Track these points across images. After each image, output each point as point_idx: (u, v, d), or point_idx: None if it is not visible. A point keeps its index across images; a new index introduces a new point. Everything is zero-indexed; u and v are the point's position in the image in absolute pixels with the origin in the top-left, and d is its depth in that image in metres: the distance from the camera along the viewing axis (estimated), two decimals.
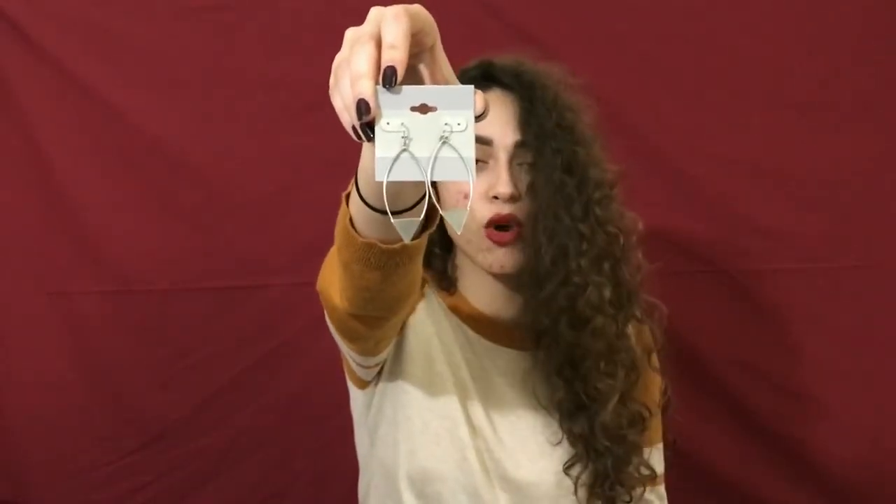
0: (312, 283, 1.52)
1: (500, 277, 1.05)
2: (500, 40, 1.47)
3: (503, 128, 1.01)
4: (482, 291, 1.08)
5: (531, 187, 1.00)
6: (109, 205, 1.52)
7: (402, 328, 1.05)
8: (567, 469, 1.04)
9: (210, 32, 1.50)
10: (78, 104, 1.50)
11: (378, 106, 0.56)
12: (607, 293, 1.01)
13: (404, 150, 0.57)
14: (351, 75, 0.56)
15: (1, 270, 1.53)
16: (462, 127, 0.57)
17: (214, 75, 1.50)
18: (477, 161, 0.96)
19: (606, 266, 1.02)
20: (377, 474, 1.09)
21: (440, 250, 1.11)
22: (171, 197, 1.52)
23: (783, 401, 1.49)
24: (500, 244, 1.01)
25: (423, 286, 1.10)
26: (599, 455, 1.03)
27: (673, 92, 1.47)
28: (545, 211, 0.99)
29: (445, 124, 0.57)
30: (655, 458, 1.12)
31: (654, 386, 1.12)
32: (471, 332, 1.09)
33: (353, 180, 0.78)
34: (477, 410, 1.05)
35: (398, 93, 0.57)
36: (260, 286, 1.53)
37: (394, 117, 0.57)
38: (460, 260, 1.10)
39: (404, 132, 0.57)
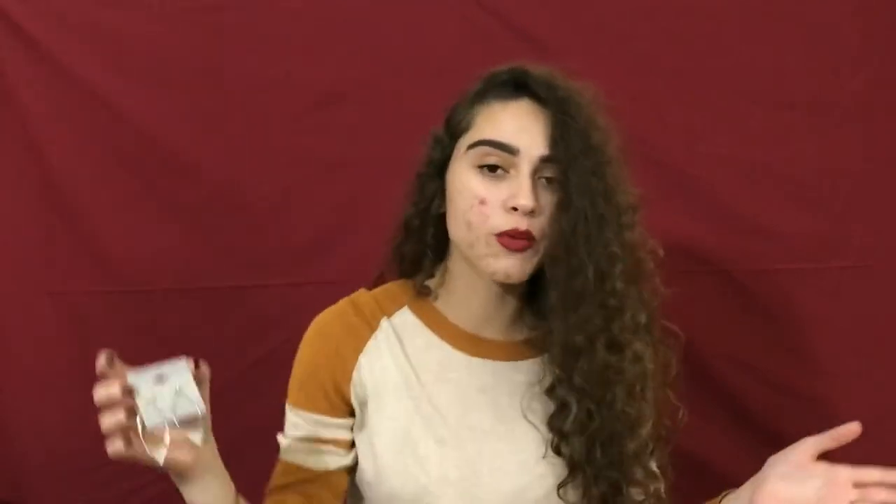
0: (312, 283, 1.53)
1: (498, 290, 1.04)
2: (500, 40, 1.47)
3: (531, 139, 0.98)
4: (468, 303, 1.06)
5: (561, 205, 0.98)
6: (109, 205, 1.52)
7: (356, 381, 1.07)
8: (560, 488, 1.03)
9: (210, 32, 1.50)
10: (78, 104, 1.50)
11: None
12: (642, 318, 1.00)
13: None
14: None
15: (1, 270, 1.53)
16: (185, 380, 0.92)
17: (214, 75, 1.50)
18: (498, 168, 0.98)
19: (635, 290, 1.01)
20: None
21: (433, 255, 1.09)
22: (171, 197, 1.52)
23: (783, 401, 1.49)
24: (511, 250, 0.98)
25: (383, 312, 1.09)
26: (597, 480, 1.01)
27: (673, 92, 1.47)
28: (580, 230, 0.97)
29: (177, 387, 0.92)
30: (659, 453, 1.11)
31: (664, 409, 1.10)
32: (447, 347, 1.07)
33: None
34: (446, 427, 1.05)
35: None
36: (260, 286, 1.53)
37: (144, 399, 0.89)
38: (455, 265, 1.07)
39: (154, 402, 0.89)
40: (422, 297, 1.10)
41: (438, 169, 1.05)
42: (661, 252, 1.06)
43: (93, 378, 1.54)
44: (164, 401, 0.88)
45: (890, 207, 1.46)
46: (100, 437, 1.55)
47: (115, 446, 0.85)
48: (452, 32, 1.48)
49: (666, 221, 1.47)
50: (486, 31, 1.47)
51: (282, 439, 1.10)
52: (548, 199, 0.98)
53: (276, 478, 1.09)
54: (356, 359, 1.07)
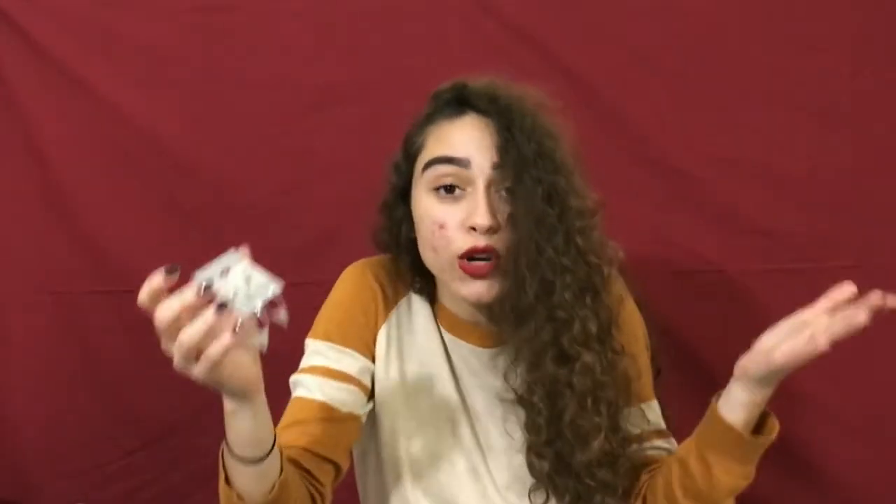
0: (312, 283, 1.52)
1: (478, 307, 1.05)
2: (500, 40, 1.47)
3: (481, 150, 0.97)
4: (459, 306, 1.09)
5: (511, 218, 0.97)
6: (110, 205, 1.52)
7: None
8: (530, 493, 1.04)
9: (210, 32, 1.50)
10: (78, 104, 1.50)
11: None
12: (593, 328, 0.99)
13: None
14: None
15: (2, 270, 1.53)
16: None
17: (214, 75, 1.50)
18: (454, 188, 0.98)
19: (588, 299, 0.99)
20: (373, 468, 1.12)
21: (418, 275, 1.10)
22: (171, 197, 1.52)
23: (783, 401, 1.49)
24: (475, 276, 0.98)
25: (397, 298, 1.11)
26: (556, 489, 1.02)
27: (673, 92, 1.47)
28: (526, 243, 0.95)
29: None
30: (653, 413, 1.11)
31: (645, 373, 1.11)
32: (446, 334, 1.10)
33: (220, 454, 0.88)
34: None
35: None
36: None
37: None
38: (441, 291, 1.10)
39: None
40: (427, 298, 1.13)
41: (402, 195, 1.07)
42: (621, 254, 1.05)
43: (93, 378, 1.55)
44: (241, 290, 0.81)
45: (889, 207, 1.46)
46: (100, 437, 1.56)
47: (217, 347, 0.78)
48: (452, 33, 1.48)
49: (666, 221, 1.48)
50: (486, 31, 1.47)
51: (296, 377, 1.06)
52: (501, 210, 0.98)
53: (295, 413, 1.03)
54: (386, 318, 1.09)
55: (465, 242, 0.97)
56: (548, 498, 1.03)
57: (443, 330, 1.11)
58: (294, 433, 1.00)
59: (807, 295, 1.48)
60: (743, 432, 0.97)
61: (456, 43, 1.47)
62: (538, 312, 0.96)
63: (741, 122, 1.46)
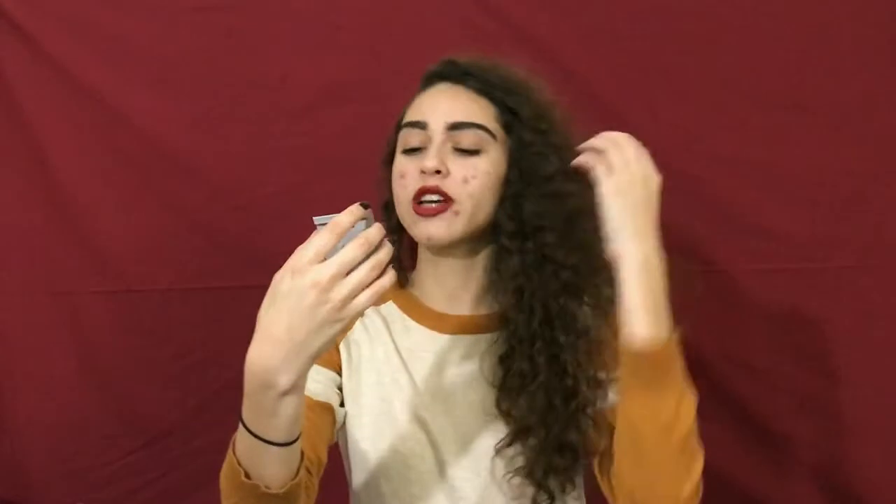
0: None
1: (460, 266, 1.10)
2: (500, 40, 1.47)
3: (439, 112, 1.07)
4: (435, 283, 1.13)
5: (501, 150, 1.06)
6: (110, 205, 1.52)
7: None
8: (498, 449, 1.05)
9: (210, 32, 1.50)
10: (78, 104, 1.50)
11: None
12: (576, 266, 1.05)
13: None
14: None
15: (3, 270, 1.53)
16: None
17: (214, 75, 1.50)
18: (418, 148, 1.07)
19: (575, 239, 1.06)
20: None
21: (401, 243, 1.16)
22: (171, 197, 1.52)
23: (783, 401, 1.49)
24: (426, 216, 1.04)
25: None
26: (529, 435, 1.04)
27: (672, 92, 1.47)
28: (528, 159, 1.05)
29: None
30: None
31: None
32: (421, 328, 1.12)
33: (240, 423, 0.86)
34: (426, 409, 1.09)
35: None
36: (260, 286, 1.53)
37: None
38: (420, 250, 1.15)
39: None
40: (401, 288, 1.16)
41: (389, 163, 1.14)
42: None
43: (93, 378, 1.55)
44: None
45: (890, 207, 1.46)
46: (100, 437, 1.56)
47: (386, 280, 0.80)
48: (452, 32, 1.48)
49: (666, 221, 1.48)
50: (486, 31, 1.47)
51: None
52: (461, 165, 1.05)
53: None
54: (345, 334, 1.13)
55: (416, 185, 1.05)
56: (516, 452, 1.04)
57: (400, 325, 1.13)
58: None
59: (807, 295, 1.49)
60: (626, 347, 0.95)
61: (456, 43, 1.47)
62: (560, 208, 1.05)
63: (741, 121, 1.47)
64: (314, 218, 0.84)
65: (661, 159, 1.48)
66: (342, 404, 1.12)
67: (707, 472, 1.49)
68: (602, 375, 1.05)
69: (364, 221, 0.81)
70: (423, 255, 1.14)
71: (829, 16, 1.44)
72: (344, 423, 1.12)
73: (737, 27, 1.46)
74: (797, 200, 1.46)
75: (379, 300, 0.80)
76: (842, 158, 1.45)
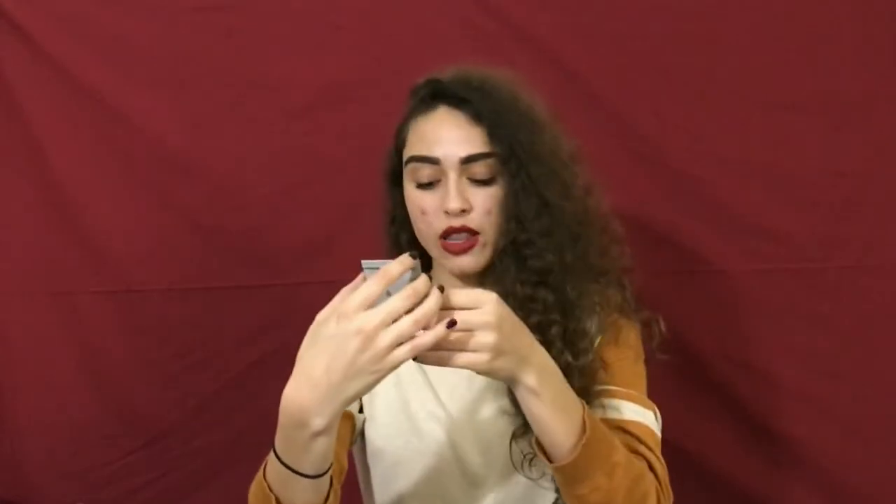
0: (312, 283, 1.53)
1: (471, 281, 1.11)
2: (499, 40, 1.47)
3: (449, 146, 1.06)
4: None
5: (505, 171, 1.06)
6: (110, 205, 1.52)
7: None
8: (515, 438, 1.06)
9: (210, 32, 1.50)
10: (78, 104, 1.50)
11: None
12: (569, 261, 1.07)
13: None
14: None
15: (2, 270, 1.53)
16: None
17: (214, 75, 1.50)
18: (432, 183, 1.08)
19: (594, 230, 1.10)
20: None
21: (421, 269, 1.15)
22: (171, 197, 1.52)
23: (783, 400, 1.49)
24: (455, 253, 1.07)
25: None
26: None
27: (673, 92, 1.47)
28: (541, 176, 1.05)
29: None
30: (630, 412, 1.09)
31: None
32: None
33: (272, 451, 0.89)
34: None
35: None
36: (260, 286, 1.54)
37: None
38: (436, 270, 1.17)
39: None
40: None
41: (395, 180, 1.16)
42: (603, 200, 1.13)
43: (93, 378, 1.55)
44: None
45: (890, 207, 1.46)
46: (100, 437, 1.57)
47: (430, 336, 0.82)
48: (452, 32, 1.48)
49: (666, 221, 1.48)
50: (486, 31, 1.47)
51: None
52: (480, 197, 1.07)
53: None
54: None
55: (442, 224, 1.07)
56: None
57: None
58: None
59: (807, 295, 1.49)
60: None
61: (456, 43, 1.47)
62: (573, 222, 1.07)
63: (741, 122, 1.46)
64: (362, 262, 0.85)
65: (662, 159, 1.49)
66: (361, 409, 1.14)
67: (707, 472, 1.50)
68: (601, 387, 1.06)
69: (411, 271, 0.83)
70: (441, 270, 1.15)
71: (829, 16, 1.44)
72: (362, 427, 1.13)
73: (737, 27, 1.46)
74: (797, 200, 1.46)
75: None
76: (842, 158, 1.45)
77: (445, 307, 0.85)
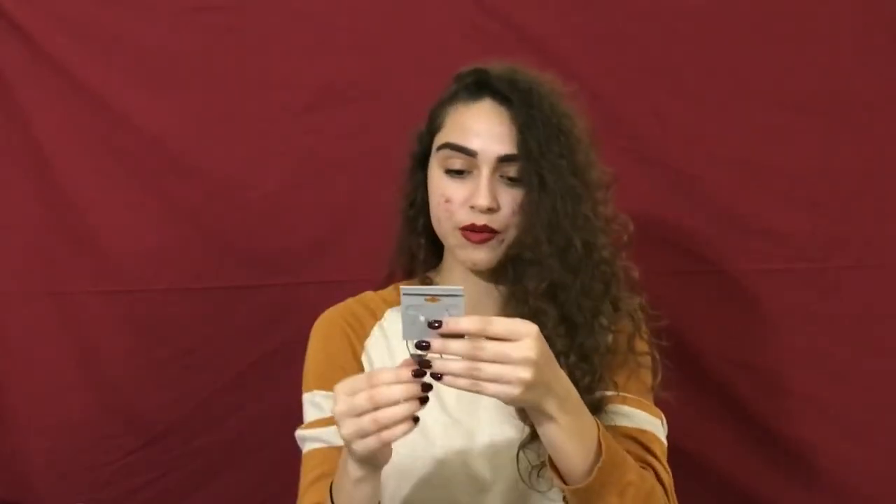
0: (312, 283, 1.53)
1: (488, 278, 1.10)
2: (500, 40, 1.47)
3: (490, 141, 1.04)
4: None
5: (537, 188, 1.03)
6: (110, 205, 1.52)
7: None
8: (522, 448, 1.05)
9: (210, 32, 1.50)
10: (78, 104, 1.50)
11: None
12: (613, 288, 1.06)
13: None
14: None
15: (2, 270, 1.53)
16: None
17: (214, 75, 1.50)
18: (462, 172, 1.06)
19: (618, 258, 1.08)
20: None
21: (428, 244, 1.15)
22: (171, 197, 1.52)
23: (783, 401, 1.49)
24: (475, 242, 1.05)
25: (387, 304, 1.16)
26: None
27: (673, 92, 1.47)
28: (560, 208, 1.03)
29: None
30: (640, 420, 1.09)
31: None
32: None
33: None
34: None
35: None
36: (260, 286, 1.53)
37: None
38: (448, 256, 1.14)
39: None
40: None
41: (421, 162, 1.13)
42: (631, 227, 1.11)
43: (93, 378, 1.55)
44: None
45: (890, 207, 1.46)
46: (100, 437, 1.56)
47: (400, 430, 0.86)
48: (452, 32, 1.48)
49: (666, 221, 1.48)
50: (486, 31, 1.47)
51: (303, 432, 1.11)
52: (509, 196, 1.05)
53: (314, 469, 1.07)
54: (363, 345, 1.14)
55: (465, 218, 1.05)
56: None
57: None
58: (327, 484, 1.02)
59: (807, 295, 1.49)
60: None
61: (456, 43, 1.47)
62: (586, 269, 1.04)
63: (742, 122, 1.47)
64: (402, 287, 0.85)
65: (662, 159, 1.49)
66: None
67: (708, 472, 1.50)
68: (611, 393, 1.05)
69: (452, 298, 0.83)
70: (452, 262, 1.13)
71: (830, 16, 1.44)
72: None
73: (737, 27, 1.46)
74: (797, 200, 1.46)
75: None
76: (842, 158, 1.45)
77: (484, 335, 0.83)
